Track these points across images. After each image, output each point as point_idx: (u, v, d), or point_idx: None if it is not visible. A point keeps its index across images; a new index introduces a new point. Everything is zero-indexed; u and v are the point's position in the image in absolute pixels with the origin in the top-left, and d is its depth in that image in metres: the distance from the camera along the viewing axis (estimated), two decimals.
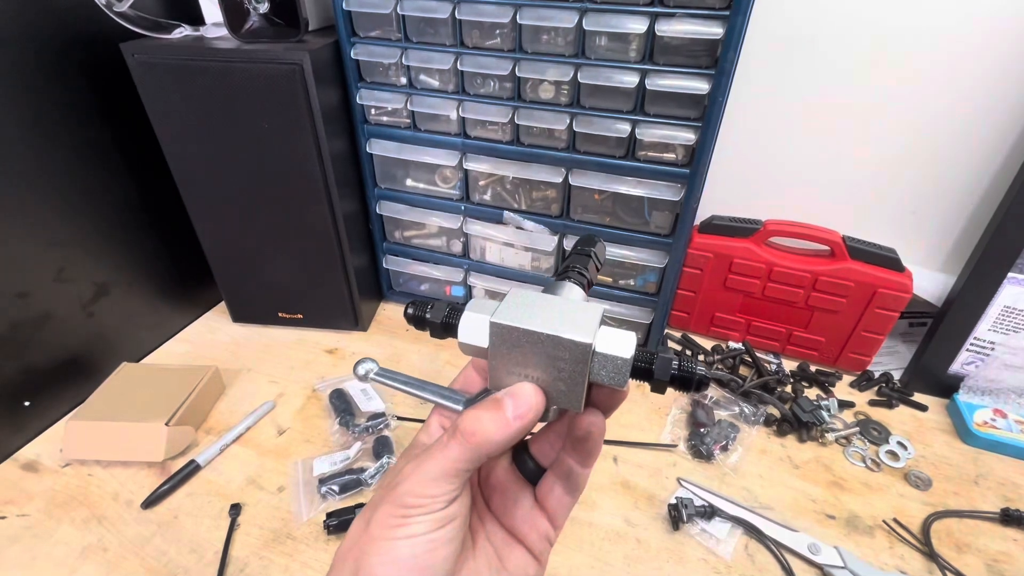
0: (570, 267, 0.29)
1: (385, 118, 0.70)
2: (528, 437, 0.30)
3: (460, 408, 0.27)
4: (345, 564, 0.23)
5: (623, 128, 0.59)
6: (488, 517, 0.28)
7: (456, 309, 0.26)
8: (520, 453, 0.29)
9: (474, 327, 0.25)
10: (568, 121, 0.61)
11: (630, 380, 0.24)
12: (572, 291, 0.27)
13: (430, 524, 0.23)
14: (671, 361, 0.23)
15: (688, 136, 0.58)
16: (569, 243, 0.70)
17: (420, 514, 0.23)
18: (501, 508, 0.28)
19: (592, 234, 0.31)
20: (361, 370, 0.29)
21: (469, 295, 0.82)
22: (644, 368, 0.23)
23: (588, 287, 0.28)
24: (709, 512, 0.54)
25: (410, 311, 0.28)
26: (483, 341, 0.24)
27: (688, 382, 0.23)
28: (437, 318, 0.27)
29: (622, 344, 0.23)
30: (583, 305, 0.24)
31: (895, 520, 0.55)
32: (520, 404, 0.24)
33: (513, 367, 0.24)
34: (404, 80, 0.66)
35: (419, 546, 0.22)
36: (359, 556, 0.23)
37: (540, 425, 0.29)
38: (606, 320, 0.25)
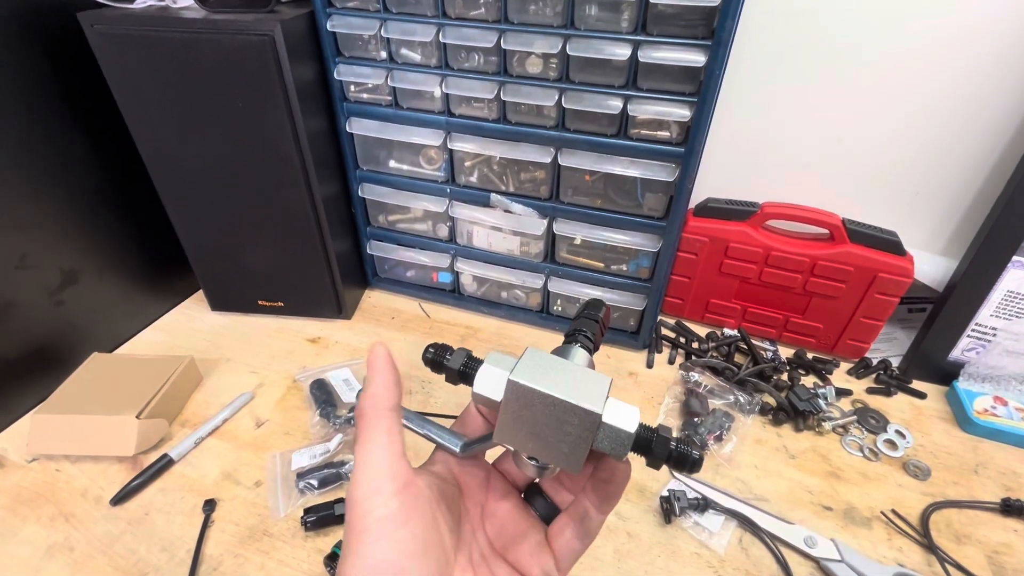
0: (578, 331, 0.30)
1: (365, 95, 0.66)
2: (537, 480, 0.30)
3: (457, 450, 0.28)
4: None
5: (615, 104, 0.56)
6: (486, 546, 0.28)
7: (474, 360, 0.28)
8: (533, 492, 0.30)
9: (491, 381, 0.26)
10: (557, 97, 0.58)
11: (629, 453, 0.25)
12: (579, 355, 0.29)
13: (388, 524, 0.22)
14: (669, 442, 0.25)
15: (683, 112, 0.55)
16: (559, 227, 0.67)
17: (370, 512, 0.22)
18: (506, 544, 0.28)
19: (599, 300, 0.33)
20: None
21: (457, 281, 0.79)
22: (644, 445, 0.25)
23: (593, 351, 0.30)
24: (702, 504, 0.52)
25: (429, 355, 0.28)
26: (497, 395, 0.26)
27: (683, 463, 0.25)
28: (455, 365, 0.28)
29: (627, 419, 0.25)
30: (594, 375, 0.26)
31: (893, 511, 0.54)
32: (372, 360, 0.25)
33: (522, 424, 0.25)
34: (384, 54, 0.63)
35: (388, 549, 0.22)
36: (342, 573, 0.22)
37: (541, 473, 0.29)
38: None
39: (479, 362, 0.27)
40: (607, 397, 0.25)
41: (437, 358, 0.28)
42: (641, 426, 0.25)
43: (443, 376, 0.28)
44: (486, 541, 0.28)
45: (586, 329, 0.30)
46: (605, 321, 0.32)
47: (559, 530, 0.28)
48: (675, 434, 0.58)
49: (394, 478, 0.23)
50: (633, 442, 0.24)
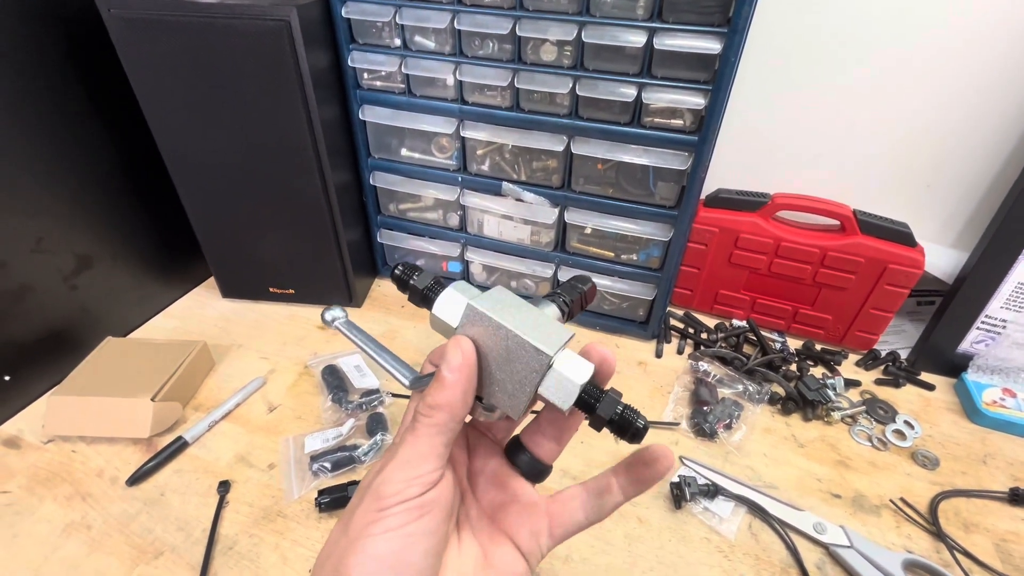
0: (557, 292, 0.29)
1: (378, 83, 0.67)
2: (518, 432, 0.30)
3: (407, 380, 0.27)
4: (323, 570, 0.22)
5: (628, 92, 0.56)
6: (476, 512, 0.27)
7: (439, 283, 0.27)
8: (513, 447, 0.29)
9: (450, 304, 0.26)
10: (571, 85, 0.58)
11: (575, 409, 0.24)
12: (550, 308, 0.28)
13: (407, 515, 0.22)
14: (616, 404, 0.24)
15: (697, 101, 0.55)
16: (570, 216, 0.67)
17: (396, 503, 0.22)
18: (492, 503, 0.27)
19: (587, 275, 0.33)
20: (328, 316, 0.30)
21: (467, 271, 0.79)
22: (589, 402, 0.24)
23: (567, 317, 0.29)
24: (712, 491, 0.53)
25: (397, 272, 0.28)
26: (454, 320, 0.25)
27: (625, 429, 0.24)
28: (420, 285, 0.27)
29: (578, 370, 0.24)
30: (556, 325, 0.25)
31: (902, 499, 0.54)
32: (451, 359, 0.24)
33: None
34: (398, 41, 0.63)
35: (397, 541, 0.22)
36: (338, 560, 0.22)
37: (490, 421, 0.29)
38: (572, 347, 0.26)
39: (444, 287, 0.27)
40: (564, 347, 0.24)
41: (404, 276, 0.27)
42: (591, 383, 0.24)
43: (406, 296, 0.28)
44: (475, 506, 0.28)
45: (565, 293, 0.30)
46: (588, 296, 0.31)
47: (569, 497, 0.28)
48: (686, 411, 0.58)
49: (428, 484, 0.23)
50: (578, 396, 0.24)
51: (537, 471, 0.28)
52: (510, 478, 0.28)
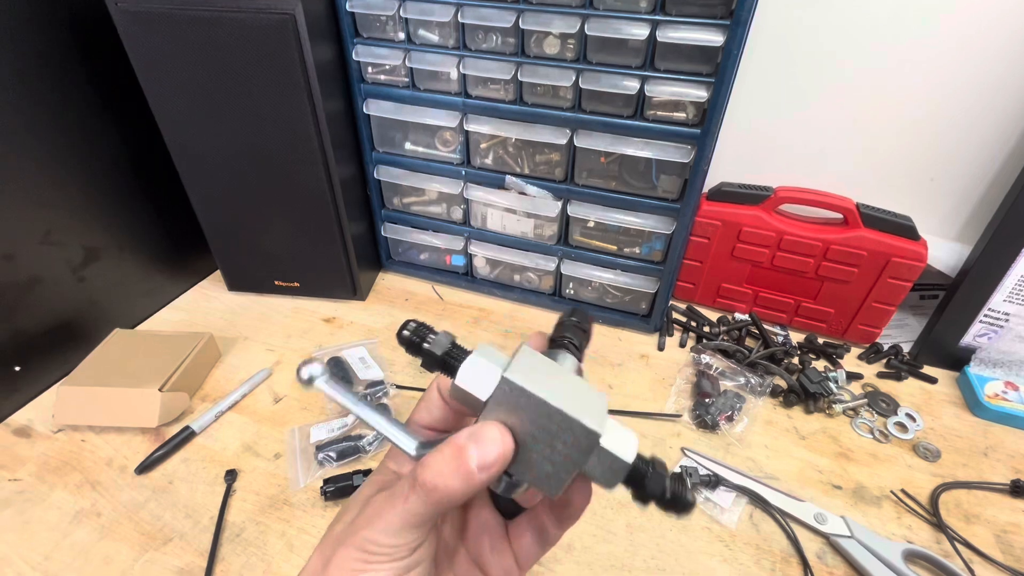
0: (566, 337, 0.26)
1: (383, 76, 0.67)
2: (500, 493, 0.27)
3: (412, 452, 0.24)
4: None
5: (631, 85, 0.57)
6: (454, 541, 0.26)
7: (457, 348, 0.23)
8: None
9: (480, 375, 0.22)
10: (574, 78, 0.58)
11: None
12: (569, 362, 0.25)
13: (391, 573, 0.21)
14: (664, 479, 0.22)
15: (700, 93, 0.55)
16: (573, 209, 0.67)
17: (382, 562, 0.21)
18: (468, 534, 0.26)
19: (582, 309, 0.30)
20: (305, 373, 0.24)
21: (470, 264, 0.80)
22: (637, 477, 0.22)
23: (580, 361, 0.27)
24: (714, 481, 0.53)
25: (405, 334, 0.23)
26: (484, 393, 0.22)
27: (675, 505, 0.22)
28: (437, 350, 0.23)
29: (625, 445, 0.22)
30: (592, 390, 0.23)
31: (903, 491, 0.54)
32: (486, 452, 0.21)
33: None
34: (402, 35, 0.63)
35: None
36: None
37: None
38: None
39: (465, 352, 0.23)
40: (607, 416, 0.22)
41: (415, 338, 0.23)
42: (639, 456, 0.22)
43: (420, 361, 0.24)
44: (450, 536, 0.27)
45: (573, 337, 0.27)
46: (590, 333, 0.29)
47: (520, 532, 0.26)
48: (688, 403, 0.58)
49: (416, 546, 0.22)
50: (627, 473, 0.22)
51: (514, 510, 0.27)
52: (486, 510, 0.27)
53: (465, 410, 0.25)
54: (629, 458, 0.22)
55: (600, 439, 0.21)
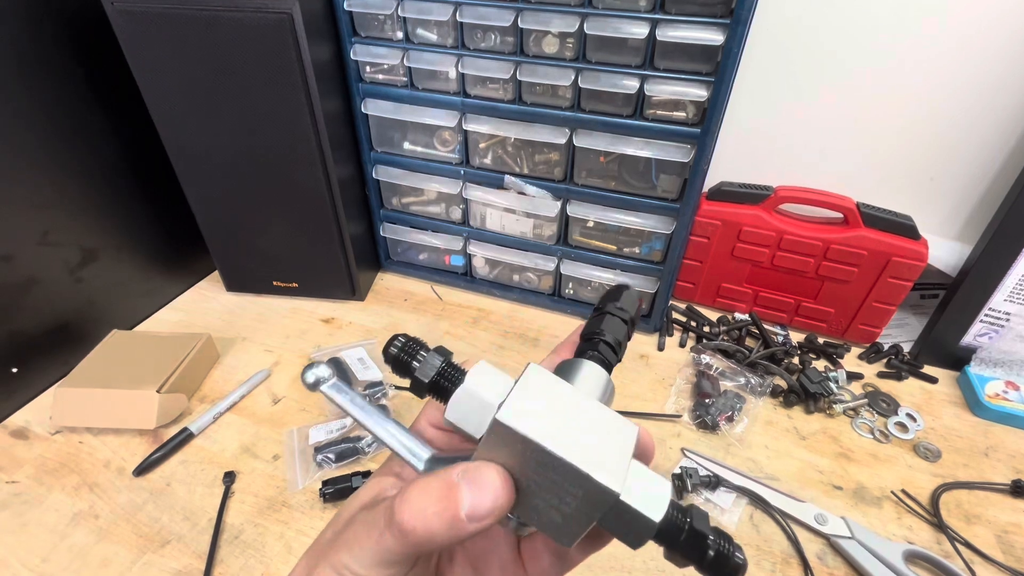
0: (599, 336, 0.22)
1: (381, 76, 0.67)
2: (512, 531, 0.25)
3: (421, 467, 0.21)
4: None
5: (631, 84, 0.56)
6: (460, 559, 0.24)
7: (453, 368, 0.20)
8: None
9: (470, 411, 0.19)
10: (573, 77, 0.58)
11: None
12: (594, 376, 0.21)
13: None
14: (707, 539, 0.18)
15: (700, 92, 0.55)
16: (572, 209, 0.67)
17: None
18: (476, 557, 0.24)
19: (629, 288, 0.24)
20: (311, 376, 0.22)
21: (469, 264, 0.79)
22: (670, 535, 0.18)
23: (616, 362, 0.22)
24: (714, 482, 0.53)
25: (393, 351, 0.20)
26: (477, 431, 0.19)
27: (720, 568, 0.18)
28: (425, 375, 0.20)
29: (654, 500, 0.18)
30: (615, 421, 0.19)
31: (903, 491, 0.54)
32: (480, 500, 0.18)
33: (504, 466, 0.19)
34: (400, 34, 0.63)
35: None
36: None
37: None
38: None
39: (459, 373, 0.20)
40: (630, 460, 0.18)
41: (403, 357, 0.20)
42: (670, 506, 0.18)
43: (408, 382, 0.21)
44: (459, 555, 0.24)
45: (609, 334, 0.22)
46: (635, 318, 0.24)
47: (536, 553, 0.23)
48: (688, 404, 0.58)
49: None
50: (657, 531, 0.18)
51: (522, 527, 0.24)
52: (493, 529, 0.24)
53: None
54: (657, 517, 0.18)
55: (619, 496, 0.17)
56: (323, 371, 0.22)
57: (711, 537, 0.18)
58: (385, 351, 0.21)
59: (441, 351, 0.20)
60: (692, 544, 0.18)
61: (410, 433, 0.22)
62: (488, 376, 0.19)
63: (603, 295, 0.24)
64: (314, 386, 0.22)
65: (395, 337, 0.21)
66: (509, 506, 0.19)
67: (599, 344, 0.22)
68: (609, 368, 0.22)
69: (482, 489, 0.18)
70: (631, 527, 0.18)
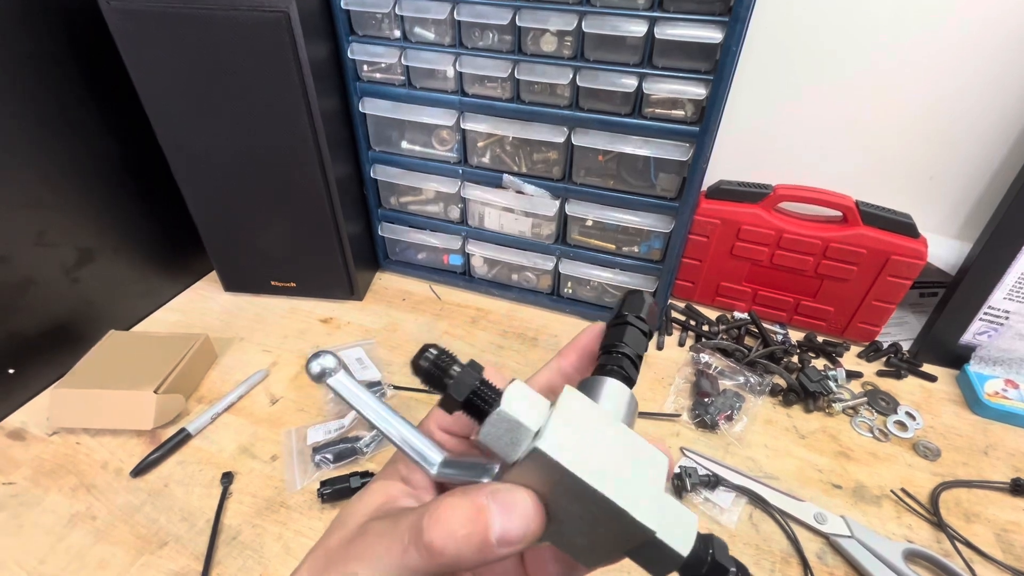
0: (620, 351, 0.21)
1: (378, 75, 0.66)
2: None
3: (433, 470, 0.20)
4: None
5: (629, 83, 0.56)
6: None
7: (488, 387, 0.19)
8: None
9: (506, 433, 0.18)
10: (571, 76, 0.58)
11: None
12: (620, 397, 0.21)
13: None
14: (727, 572, 0.18)
15: (698, 91, 0.55)
16: (571, 208, 0.67)
17: None
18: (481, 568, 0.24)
19: (642, 294, 0.24)
20: (315, 367, 0.21)
21: (468, 264, 0.79)
22: (693, 568, 0.19)
23: (635, 381, 0.22)
24: (713, 481, 0.53)
25: (424, 364, 0.19)
26: (509, 454, 0.18)
27: None
28: (459, 394, 0.19)
29: (682, 534, 0.18)
30: (646, 452, 0.19)
31: (903, 490, 0.54)
32: (512, 526, 0.18)
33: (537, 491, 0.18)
34: (398, 33, 0.62)
35: None
36: None
37: None
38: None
39: (495, 393, 0.19)
40: (663, 494, 0.18)
41: (435, 370, 0.19)
42: (696, 539, 0.19)
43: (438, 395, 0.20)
44: None
45: (631, 348, 0.22)
46: (652, 331, 0.23)
47: (542, 564, 0.23)
48: (687, 403, 0.58)
49: None
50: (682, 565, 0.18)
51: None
52: None
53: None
54: (685, 551, 0.18)
55: (655, 535, 0.17)
56: (329, 361, 0.21)
57: (732, 570, 0.18)
58: (415, 363, 0.20)
59: (474, 366, 0.20)
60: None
61: (421, 433, 0.21)
62: (525, 400, 0.19)
63: (622, 301, 0.24)
64: (319, 377, 0.21)
65: (426, 348, 0.20)
66: (540, 532, 0.18)
67: (622, 360, 0.21)
68: (631, 384, 0.21)
69: (513, 514, 0.18)
70: (657, 559, 0.18)
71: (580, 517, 0.18)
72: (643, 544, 0.18)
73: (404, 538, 0.18)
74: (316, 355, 0.21)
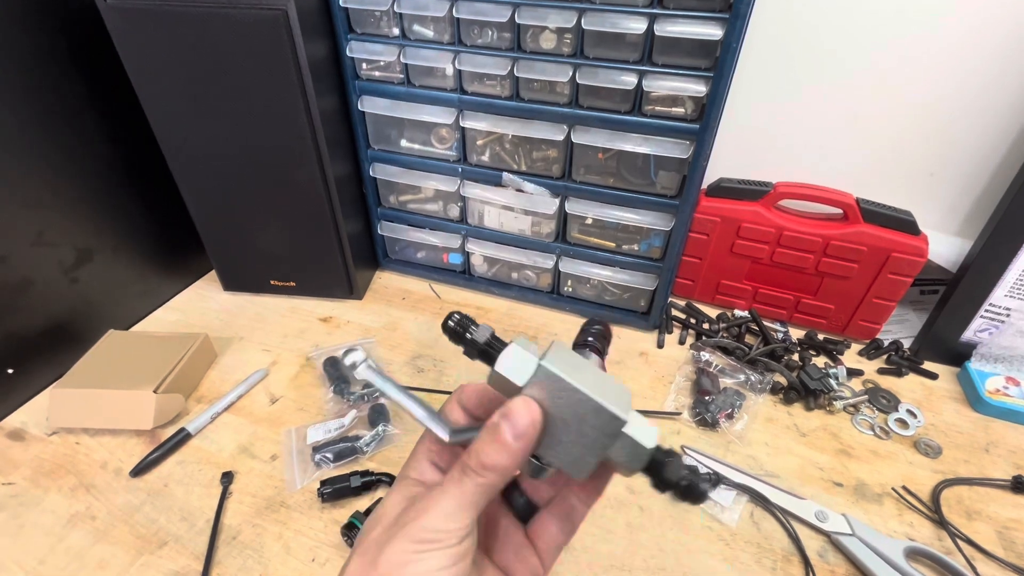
0: (589, 342, 0.30)
1: (377, 73, 0.66)
2: (518, 473, 0.29)
3: (446, 437, 0.26)
4: None
5: (629, 80, 0.56)
6: (478, 552, 0.27)
7: (497, 339, 0.26)
8: (510, 488, 0.29)
9: (515, 362, 0.24)
10: (571, 73, 0.58)
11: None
12: (595, 360, 0.29)
13: (445, 559, 0.22)
14: (682, 469, 0.24)
15: (698, 88, 0.54)
16: (571, 206, 0.67)
17: (436, 549, 0.22)
18: (491, 543, 0.28)
19: (602, 317, 0.34)
20: (349, 360, 0.27)
21: (467, 262, 0.79)
22: (656, 465, 0.24)
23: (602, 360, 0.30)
24: (714, 480, 0.52)
25: (451, 324, 0.26)
26: (521, 379, 0.24)
27: (689, 493, 0.24)
28: (480, 339, 0.26)
29: (647, 434, 0.24)
30: (618, 384, 0.25)
31: (904, 488, 0.54)
32: (518, 422, 0.23)
33: None
34: (397, 31, 0.62)
35: None
36: None
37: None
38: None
39: (503, 343, 0.26)
40: (631, 407, 0.24)
41: (460, 328, 0.26)
42: (657, 447, 0.24)
43: (461, 349, 0.26)
44: (478, 552, 0.27)
45: (596, 341, 0.30)
46: (609, 338, 0.32)
47: (542, 527, 0.28)
48: (688, 401, 0.58)
49: (465, 534, 0.23)
50: (648, 460, 0.24)
51: (530, 513, 0.29)
52: (505, 517, 0.29)
53: (491, 409, 0.27)
54: (650, 444, 0.24)
55: (625, 426, 0.24)
56: (358, 355, 0.28)
57: (685, 469, 0.24)
58: (444, 324, 0.26)
59: (486, 327, 0.26)
60: (672, 473, 0.24)
61: (435, 412, 0.27)
62: (525, 342, 0.25)
63: (586, 323, 0.32)
64: (351, 368, 0.27)
65: (452, 313, 0.26)
66: (539, 422, 0.24)
67: (591, 344, 0.30)
68: (601, 358, 0.29)
69: (516, 415, 0.23)
70: (631, 455, 0.24)
71: (571, 422, 0.24)
72: (618, 440, 0.24)
73: (456, 476, 0.24)
74: (348, 351, 0.28)
